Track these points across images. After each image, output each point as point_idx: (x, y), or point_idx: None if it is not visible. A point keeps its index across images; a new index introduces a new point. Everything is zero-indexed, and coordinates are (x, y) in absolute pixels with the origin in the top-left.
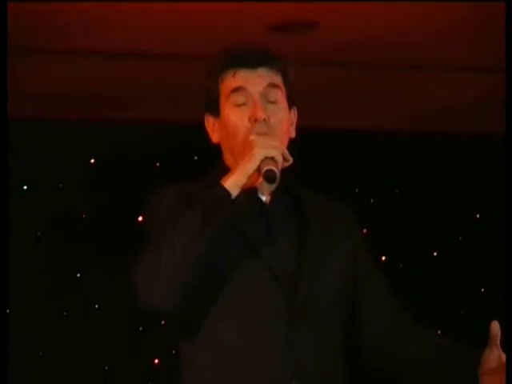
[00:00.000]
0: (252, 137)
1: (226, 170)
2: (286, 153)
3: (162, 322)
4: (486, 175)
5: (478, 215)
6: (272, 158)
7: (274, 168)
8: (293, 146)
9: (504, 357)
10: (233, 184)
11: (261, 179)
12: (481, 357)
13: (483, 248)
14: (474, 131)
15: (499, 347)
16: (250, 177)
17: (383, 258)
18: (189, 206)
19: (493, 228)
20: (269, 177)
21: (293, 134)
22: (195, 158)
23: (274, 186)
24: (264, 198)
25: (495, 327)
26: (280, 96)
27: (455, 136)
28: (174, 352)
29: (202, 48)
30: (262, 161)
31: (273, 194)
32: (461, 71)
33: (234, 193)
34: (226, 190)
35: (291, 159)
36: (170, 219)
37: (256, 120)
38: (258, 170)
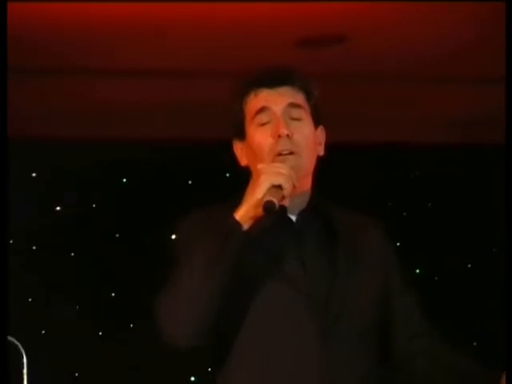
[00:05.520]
0: (260, 165)
1: None
2: (294, 178)
3: None
4: None
5: None
6: (279, 186)
7: (273, 199)
8: (324, 160)
9: None
10: (243, 215)
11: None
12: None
13: None
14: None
15: None
16: (258, 206)
17: (417, 270)
18: (204, 240)
19: None
20: (267, 209)
21: (321, 153)
22: (227, 174)
23: (302, 206)
24: (294, 218)
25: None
26: (303, 114)
27: (488, 147)
28: (209, 369)
29: (232, 63)
30: (268, 189)
31: (302, 213)
32: (490, 82)
33: (246, 224)
34: (237, 223)
35: (296, 185)
36: (191, 251)
37: (279, 136)
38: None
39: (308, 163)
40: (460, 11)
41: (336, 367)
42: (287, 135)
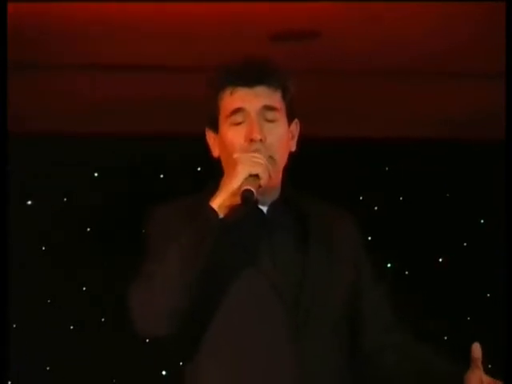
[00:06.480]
0: (236, 154)
1: None
2: (270, 168)
3: None
4: (490, 181)
5: (482, 221)
6: (256, 176)
7: (251, 188)
8: (297, 154)
9: (485, 378)
10: (220, 204)
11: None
12: (463, 377)
13: (488, 253)
14: (479, 138)
15: (481, 369)
16: (235, 195)
17: (388, 265)
18: (180, 230)
19: (497, 233)
20: (245, 197)
21: (293, 148)
22: (198, 169)
23: (273, 198)
24: (265, 210)
25: (476, 350)
26: (278, 115)
27: (458, 142)
28: (181, 364)
29: (205, 58)
30: (245, 178)
31: (273, 205)
32: (465, 79)
33: (222, 212)
34: (213, 211)
35: (272, 176)
36: (163, 242)
37: (252, 140)
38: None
39: (280, 164)
40: (448, 8)
41: (308, 362)
42: (260, 139)
